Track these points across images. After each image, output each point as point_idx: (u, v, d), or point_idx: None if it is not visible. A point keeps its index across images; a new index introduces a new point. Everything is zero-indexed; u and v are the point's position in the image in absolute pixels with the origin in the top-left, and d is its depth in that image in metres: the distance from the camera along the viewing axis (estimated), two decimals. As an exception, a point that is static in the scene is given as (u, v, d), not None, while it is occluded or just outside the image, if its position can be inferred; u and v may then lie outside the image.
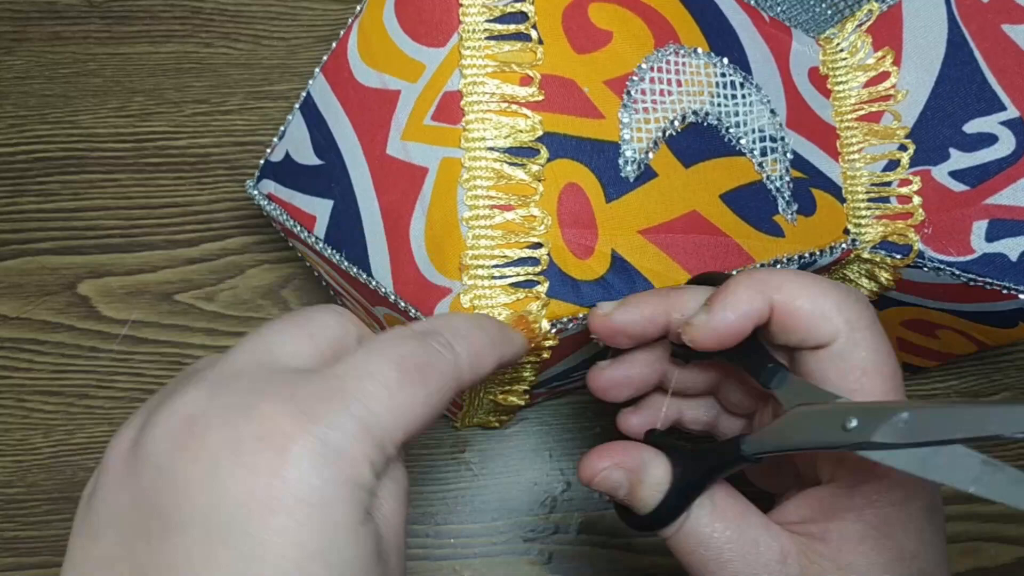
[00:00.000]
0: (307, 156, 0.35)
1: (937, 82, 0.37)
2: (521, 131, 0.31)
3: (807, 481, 0.27)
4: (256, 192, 0.36)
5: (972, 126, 0.35)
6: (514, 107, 0.31)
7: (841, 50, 0.39)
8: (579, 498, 0.43)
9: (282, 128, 0.36)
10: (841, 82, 0.39)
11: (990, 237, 0.34)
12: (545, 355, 0.32)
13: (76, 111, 0.46)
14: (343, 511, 0.19)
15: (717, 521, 0.25)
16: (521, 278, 0.30)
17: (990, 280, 0.33)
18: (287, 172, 0.35)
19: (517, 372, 0.34)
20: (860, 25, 0.39)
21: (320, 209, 0.34)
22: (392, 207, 0.32)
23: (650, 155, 0.33)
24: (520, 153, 0.31)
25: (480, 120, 0.31)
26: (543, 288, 0.30)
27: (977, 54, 0.36)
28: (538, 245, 0.31)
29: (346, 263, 0.32)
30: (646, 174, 0.33)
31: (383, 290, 0.32)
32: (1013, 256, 0.33)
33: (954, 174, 0.36)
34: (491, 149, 0.31)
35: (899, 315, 0.38)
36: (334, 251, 0.33)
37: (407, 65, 0.33)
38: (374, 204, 0.33)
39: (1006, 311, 0.34)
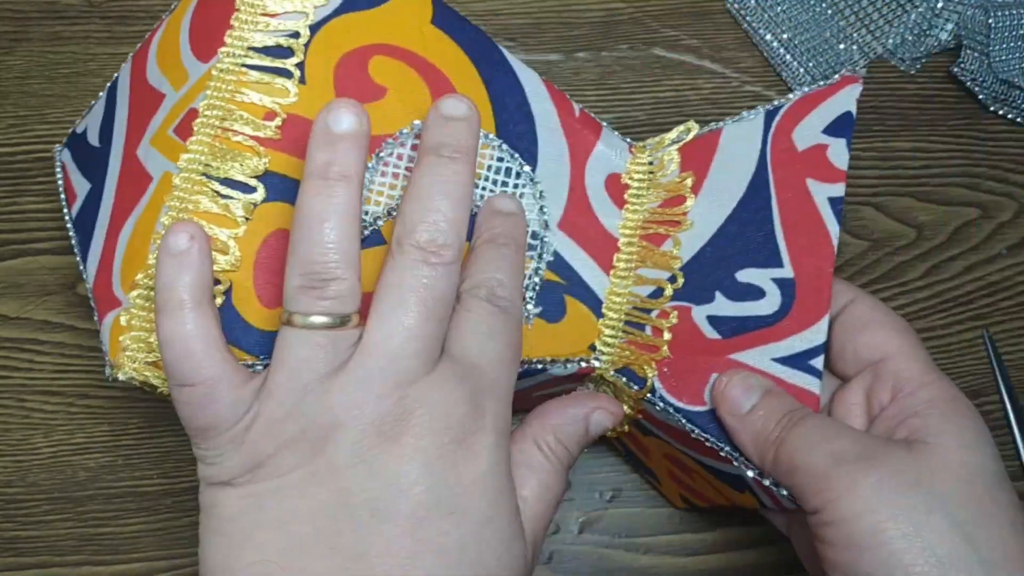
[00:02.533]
0: (94, 136, 0.34)
1: (727, 220, 0.34)
2: (243, 164, 0.30)
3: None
4: (58, 158, 0.35)
5: (745, 275, 0.33)
6: (245, 139, 0.30)
7: (650, 163, 0.36)
8: (579, 498, 0.43)
9: (92, 103, 0.36)
10: (638, 195, 0.36)
11: None
12: None
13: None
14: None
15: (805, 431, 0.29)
16: None
17: (709, 438, 0.31)
18: (79, 147, 0.35)
19: None
20: (676, 142, 0.37)
21: (82, 190, 0.33)
22: (118, 208, 0.32)
23: (380, 221, 0.31)
24: (235, 186, 0.30)
25: (202, 143, 0.30)
26: None
27: (774, 202, 0.33)
28: (216, 282, 0.29)
29: (76, 248, 0.32)
30: (372, 239, 0.31)
31: (88, 284, 0.32)
32: None
33: (712, 319, 0.33)
34: (205, 175, 0.30)
35: (659, 446, 0.36)
36: (74, 233, 0.32)
37: (178, 71, 0.32)
38: (111, 200, 0.32)
39: (731, 473, 0.33)
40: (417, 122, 0.32)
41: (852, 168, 0.48)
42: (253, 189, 0.30)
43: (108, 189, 0.33)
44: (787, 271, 0.32)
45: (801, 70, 0.48)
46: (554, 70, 0.48)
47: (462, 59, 0.34)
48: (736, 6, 0.49)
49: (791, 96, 0.36)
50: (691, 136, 0.37)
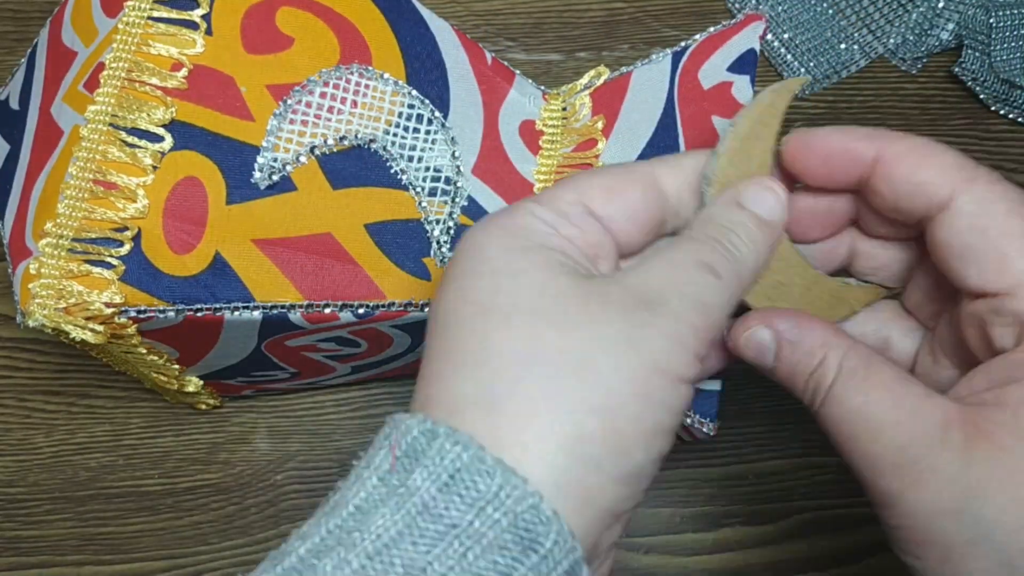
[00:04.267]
0: (15, 101, 0.35)
1: (637, 160, 0.34)
2: (150, 114, 0.31)
3: (983, 357, 0.24)
4: None
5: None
6: (151, 90, 0.31)
7: (563, 109, 0.37)
8: (580, 498, 0.43)
9: (14, 70, 0.38)
10: (552, 140, 0.36)
11: None
12: (134, 340, 0.32)
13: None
14: None
15: (870, 389, 0.22)
16: (96, 257, 0.30)
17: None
18: (2, 114, 0.35)
19: (158, 357, 0.34)
20: (587, 88, 0.37)
21: (1, 153, 0.34)
22: (33, 165, 0.32)
23: (289, 167, 0.32)
24: (143, 136, 0.31)
25: (109, 95, 0.31)
26: (117, 272, 0.30)
27: (681, 140, 0.34)
28: (124, 228, 0.30)
29: None
30: (282, 185, 0.32)
31: (4, 240, 0.32)
32: None
33: None
34: (113, 125, 0.31)
35: None
36: None
37: (88, 29, 0.33)
38: (27, 158, 0.33)
39: None
40: (324, 70, 0.33)
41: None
42: (161, 138, 0.31)
43: (24, 149, 0.33)
44: None
45: (802, 70, 0.48)
46: (555, 70, 0.48)
47: (370, 8, 0.34)
48: (737, 6, 0.49)
49: (697, 37, 0.36)
50: (602, 80, 0.37)
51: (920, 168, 0.24)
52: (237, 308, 0.31)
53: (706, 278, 0.22)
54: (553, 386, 0.20)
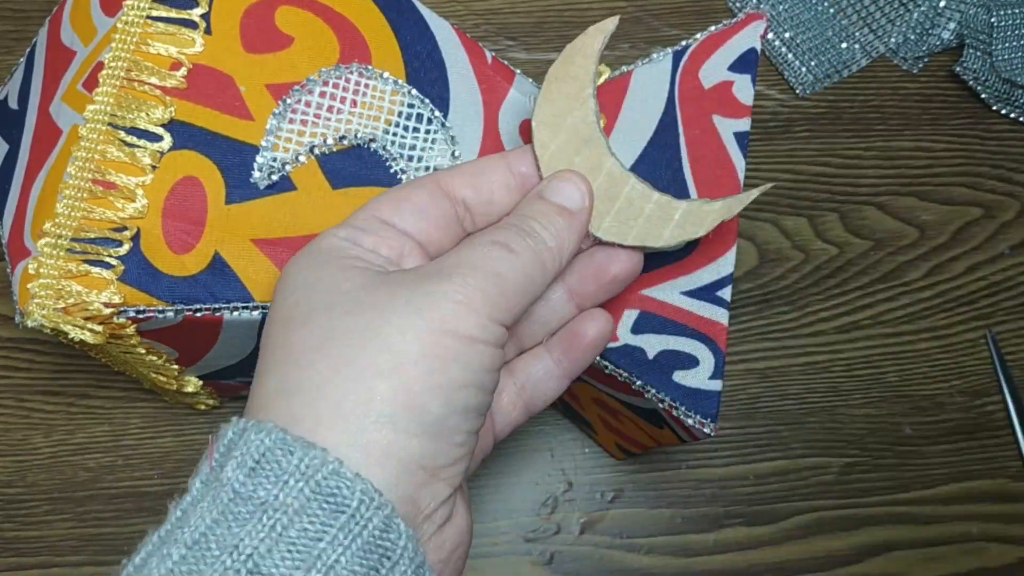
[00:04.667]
0: (13, 100, 0.35)
1: (637, 160, 0.34)
2: (149, 114, 0.31)
3: None
4: None
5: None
6: (150, 89, 0.31)
7: None
8: (580, 498, 0.43)
9: (13, 70, 0.37)
10: None
11: (636, 329, 0.32)
12: (133, 341, 0.31)
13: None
14: None
15: None
16: (95, 257, 0.30)
17: (623, 372, 0.32)
18: (1, 113, 0.36)
19: (156, 357, 0.34)
20: None
21: (0, 152, 0.35)
22: (32, 164, 0.32)
23: (289, 167, 0.32)
24: (142, 135, 0.31)
25: (108, 94, 0.31)
26: (116, 272, 0.30)
27: (682, 140, 0.34)
28: (123, 228, 0.30)
29: None
30: (282, 185, 0.32)
31: (3, 239, 0.32)
32: (651, 353, 0.32)
33: None
34: (112, 125, 0.31)
35: (586, 391, 0.37)
36: None
37: (87, 28, 0.33)
38: (26, 158, 0.33)
39: (648, 408, 0.33)
40: (324, 69, 0.33)
41: (854, 168, 0.48)
42: (160, 138, 0.31)
43: (23, 148, 0.33)
44: None
45: (803, 69, 0.48)
46: (555, 69, 0.48)
47: (370, 7, 0.34)
48: (737, 4, 0.49)
49: (698, 36, 0.36)
50: (602, 80, 0.37)
51: None
52: (236, 308, 0.31)
53: (499, 251, 0.24)
54: (342, 360, 0.21)
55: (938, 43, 0.48)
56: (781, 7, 0.48)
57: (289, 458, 0.20)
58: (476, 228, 0.28)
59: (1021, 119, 0.48)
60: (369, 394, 0.21)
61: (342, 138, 0.33)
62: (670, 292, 0.32)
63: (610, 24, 0.28)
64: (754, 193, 0.29)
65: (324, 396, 0.21)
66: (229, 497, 0.20)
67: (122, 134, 0.31)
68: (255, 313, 0.31)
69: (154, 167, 0.31)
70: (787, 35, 0.48)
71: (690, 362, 0.32)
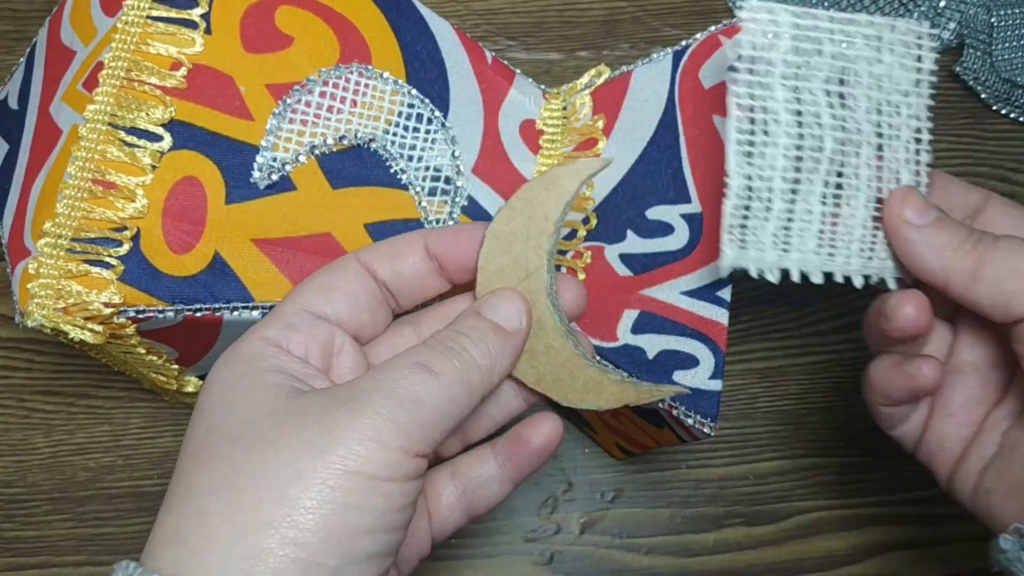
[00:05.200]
0: (13, 100, 0.35)
1: (638, 160, 0.34)
2: (149, 113, 0.31)
3: None
4: None
5: (655, 212, 0.33)
6: (150, 89, 0.31)
7: (563, 108, 0.37)
8: (580, 498, 0.43)
9: (13, 70, 0.36)
10: (552, 140, 0.36)
11: (636, 329, 0.32)
12: (133, 340, 0.31)
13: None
14: None
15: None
16: (95, 257, 0.30)
17: (623, 372, 0.31)
18: (1, 113, 0.35)
19: (157, 357, 0.34)
20: (588, 87, 0.37)
21: (0, 152, 0.34)
22: (32, 164, 0.32)
23: (289, 167, 0.32)
24: (142, 135, 0.31)
25: (108, 94, 0.31)
26: (116, 272, 0.30)
27: (682, 140, 0.34)
28: (123, 228, 0.30)
29: None
30: (282, 185, 0.32)
31: (3, 239, 0.32)
32: (651, 353, 0.32)
33: (624, 257, 0.33)
34: (112, 125, 0.31)
35: None
36: None
37: (87, 28, 0.33)
38: (26, 158, 0.33)
39: (648, 408, 0.32)
40: (324, 69, 0.33)
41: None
42: (160, 137, 0.31)
43: (24, 148, 0.33)
44: (695, 206, 0.32)
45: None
46: (555, 69, 0.48)
47: (370, 7, 0.34)
48: (738, 4, 0.49)
49: (698, 36, 0.36)
50: (602, 80, 0.37)
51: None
52: (236, 308, 0.31)
53: (419, 375, 0.23)
54: (235, 508, 0.20)
55: (938, 43, 0.48)
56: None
57: None
58: (401, 310, 0.28)
59: (1021, 119, 0.48)
60: (258, 548, 0.20)
61: (342, 138, 0.33)
62: (670, 292, 0.32)
63: (600, 165, 0.28)
64: (665, 391, 0.28)
65: (213, 549, 0.20)
66: None
67: (122, 134, 0.31)
68: (255, 313, 0.31)
69: (154, 167, 0.31)
70: (787, 35, 0.48)
71: (690, 362, 0.32)
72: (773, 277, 0.29)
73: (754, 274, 0.29)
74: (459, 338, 0.24)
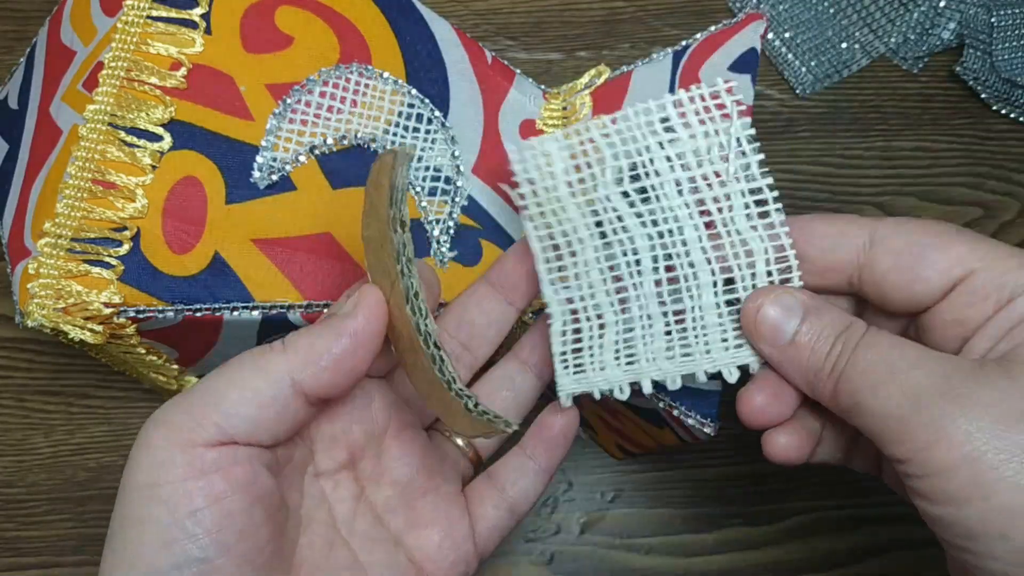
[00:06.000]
0: (13, 100, 0.35)
1: None
2: (148, 113, 0.31)
3: None
4: None
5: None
6: (150, 89, 0.31)
7: (563, 108, 0.37)
8: (580, 498, 0.43)
9: (13, 70, 0.36)
10: None
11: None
12: (133, 340, 0.32)
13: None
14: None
15: (890, 346, 0.24)
16: (95, 257, 0.30)
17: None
18: (1, 113, 0.36)
19: (157, 357, 0.34)
20: (588, 87, 0.37)
21: (0, 152, 0.34)
22: (32, 164, 0.32)
23: (289, 167, 0.32)
24: (142, 135, 0.31)
25: (108, 94, 0.31)
26: (116, 272, 0.30)
27: None
28: (123, 228, 0.30)
29: None
30: (282, 185, 0.32)
31: (3, 239, 0.32)
32: None
33: None
34: (112, 125, 0.31)
35: None
36: None
37: (87, 28, 0.33)
38: (26, 158, 0.33)
39: (648, 408, 0.33)
40: (324, 69, 0.33)
41: (855, 168, 0.48)
42: (160, 137, 0.31)
43: (23, 148, 0.33)
44: None
45: (803, 69, 0.48)
46: (555, 69, 0.48)
47: (370, 7, 0.34)
48: (737, 4, 0.49)
49: (698, 36, 0.36)
50: (603, 80, 0.37)
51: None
52: (236, 308, 0.31)
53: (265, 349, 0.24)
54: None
55: (938, 43, 0.48)
56: (781, 7, 0.48)
57: None
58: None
59: (1021, 119, 0.48)
60: None
61: (342, 138, 0.33)
62: None
63: (401, 153, 0.25)
64: (498, 424, 0.26)
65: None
66: None
67: (122, 134, 0.31)
68: (255, 313, 0.31)
69: (154, 167, 0.31)
70: (787, 35, 0.48)
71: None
72: (623, 395, 0.28)
73: (597, 396, 0.28)
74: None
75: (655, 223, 0.27)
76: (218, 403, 0.23)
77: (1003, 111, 0.48)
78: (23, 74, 0.36)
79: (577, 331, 0.28)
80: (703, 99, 0.26)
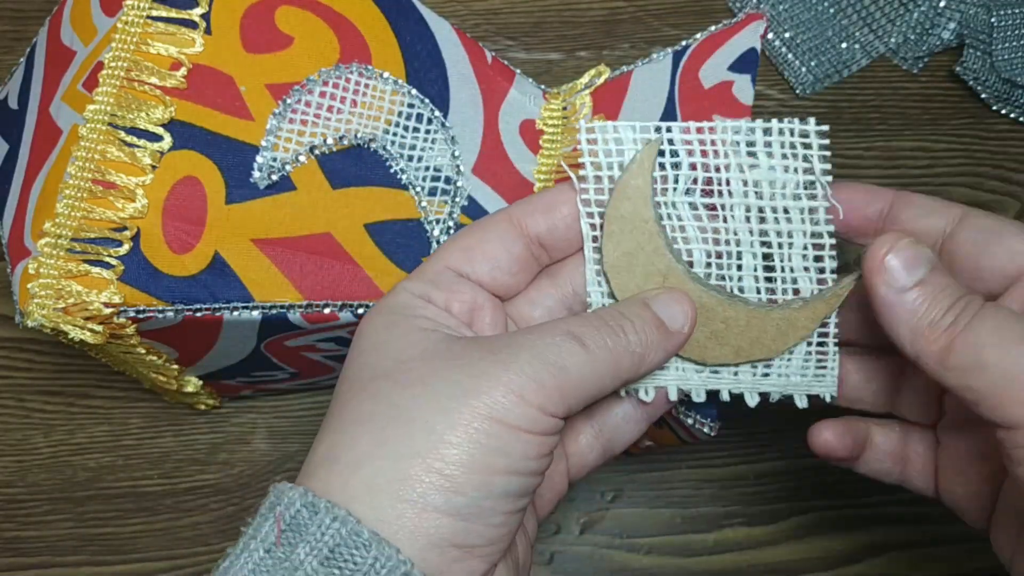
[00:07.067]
0: (13, 100, 0.35)
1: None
2: (149, 113, 0.31)
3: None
4: None
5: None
6: (150, 89, 0.31)
7: (563, 108, 0.37)
8: (580, 498, 0.43)
9: (13, 70, 0.36)
10: (552, 140, 0.36)
11: None
12: (133, 340, 0.32)
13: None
14: None
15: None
16: (95, 257, 0.30)
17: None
18: (1, 113, 0.35)
19: (157, 357, 0.34)
20: (588, 87, 0.37)
21: (0, 152, 0.34)
22: (32, 164, 0.32)
23: (289, 167, 0.32)
24: (142, 135, 0.31)
25: (108, 94, 0.31)
26: (116, 272, 0.30)
27: None
28: (123, 228, 0.30)
29: None
30: (282, 185, 0.32)
31: (3, 240, 0.32)
32: None
33: None
34: (112, 125, 0.31)
35: None
36: None
37: (87, 28, 0.33)
38: (26, 158, 0.33)
39: None
40: (324, 69, 0.33)
41: (854, 168, 0.48)
42: (160, 137, 0.31)
43: (23, 148, 0.33)
44: None
45: (803, 69, 0.48)
46: (555, 69, 0.48)
47: (370, 7, 0.34)
48: (737, 4, 0.49)
49: (698, 36, 0.36)
50: (603, 80, 0.37)
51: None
52: (236, 308, 0.31)
53: (570, 345, 0.23)
54: (381, 437, 0.22)
55: (938, 43, 0.48)
56: (781, 7, 0.48)
57: (364, 554, 0.21)
58: (552, 262, 0.28)
59: (1021, 119, 0.48)
60: (405, 473, 0.21)
61: (342, 138, 0.33)
62: None
63: (649, 149, 0.26)
64: (845, 284, 0.27)
65: (359, 473, 0.22)
66: None
67: (122, 134, 0.31)
68: (255, 313, 0.31)
69: (154, 167, 0.31)
70: (787, 35, 0.48)
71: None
72: (648, 397, 0.28)
73: (622, 394, 0.28)
74: (621, 320, 0.25)
75: (716, 242, 0.27)
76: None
77: (1003, 111, 0.48)
78: (23, 74, 0.36)
79: None
80: (792, 133, 0.26)
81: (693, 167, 0.27)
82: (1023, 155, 0.48)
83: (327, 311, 0.31)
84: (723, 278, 0.27)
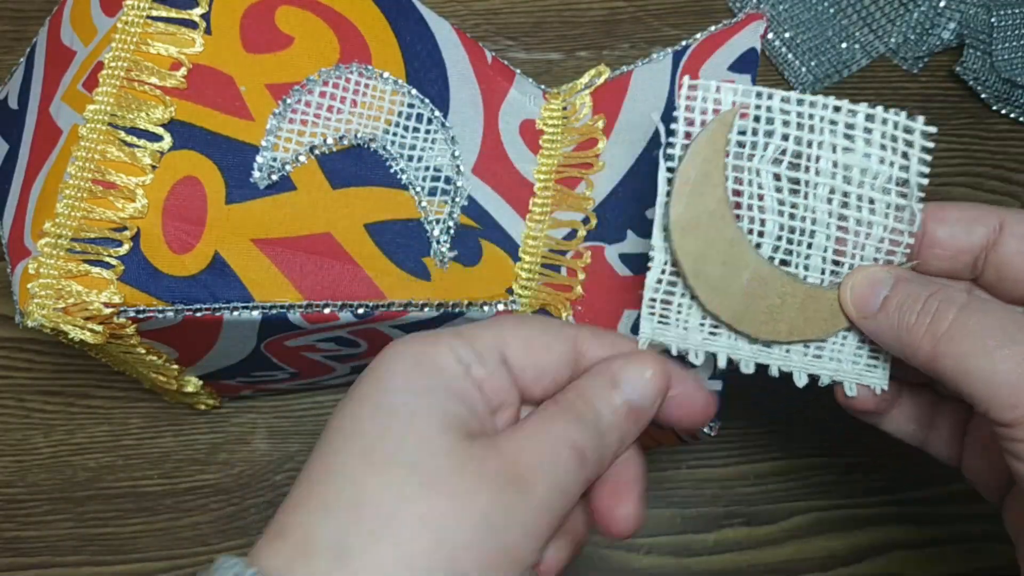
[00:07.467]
0: (13, 100, 0.35)
1: (637, 161, 0.34)
2: (149, 113, 0.31)
3: None
4: None
5: (654, 212, 0.34)
6: (150, 89, 0.31)
7: (563, 108, 0.37)
8: (580, 498, 0.43)
9: (13, 70, 0.36)
10: (552, 140, 0.36)
11: (635, 328, 0.31)
12: (133, 340, 0.32)
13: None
14: None
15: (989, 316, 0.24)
16: (95, 257, 0.30)
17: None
18: (1, 113, 0.36)
19: (157, 357, 0.34)
20: (588, 87, 0.37)
21: (0, 152, 0.34)
22: (32, 164, 0.32)
23: (289, 167, 0.32)
24: (142, 135, 0.31)
25: (108, 94, 0.31)
26: (116, 272, 0.30)
27: None
28: (123, 228, 0.30)
29: None
30: (282, 185, 0.32)
31: (3, 240, 0.32)
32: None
33: (623, 257, 0.34)
34: (112, 125, 0.31)
35: None
36: None
37: (87, 28, 0.33)
38: (26, 158, 0.33)
39: None
40: (324, 69, 0.33)
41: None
42: (160, 137, 0.31)
43: (24, 148, 0.33)
44: None
45: (803, 69, 0.48)
46: (555, 69, 0.48)
47: (370, 7, 0.35)
48: (737, 4, 0.49)
49: (698, 36, 0.36)
50: (603, 80, 0.37)
51: None
52: (236, 308, 0.31)
53: (573, 464, 0.23)
54: (407, 550, 0.20)
55: (938, 43, 0.48)
56: (781, 7, 0.48)
57: None
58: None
59: (1021, 119, 0.48)
60: None
61: (342, 138, 0.33)
62: None
63: (731, 116, 0.26)
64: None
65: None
66: None
67: (122, 134, 0.31)
68: (255, 313, 0.31)
69: (154, 167, 0.31)
70: (787, 35, 0.48)
71: (690, 362, 0.32)
72: (698, 360, 0.27)
73: (674, 352, 0.27)
74: (608, 431, 0.24)
75: (792, 216, 0.27)
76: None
77: (1003, 111, 0.48)
78: (23, 74, 0.36)
79: (673, 284, 0.27)
80: (896, 126, 0.26)
81: (785, 138, 0.26)
82: (1023, 155, 0.48)
83: (327, 311, 0.31)
84: (790, 253, 0.27)
